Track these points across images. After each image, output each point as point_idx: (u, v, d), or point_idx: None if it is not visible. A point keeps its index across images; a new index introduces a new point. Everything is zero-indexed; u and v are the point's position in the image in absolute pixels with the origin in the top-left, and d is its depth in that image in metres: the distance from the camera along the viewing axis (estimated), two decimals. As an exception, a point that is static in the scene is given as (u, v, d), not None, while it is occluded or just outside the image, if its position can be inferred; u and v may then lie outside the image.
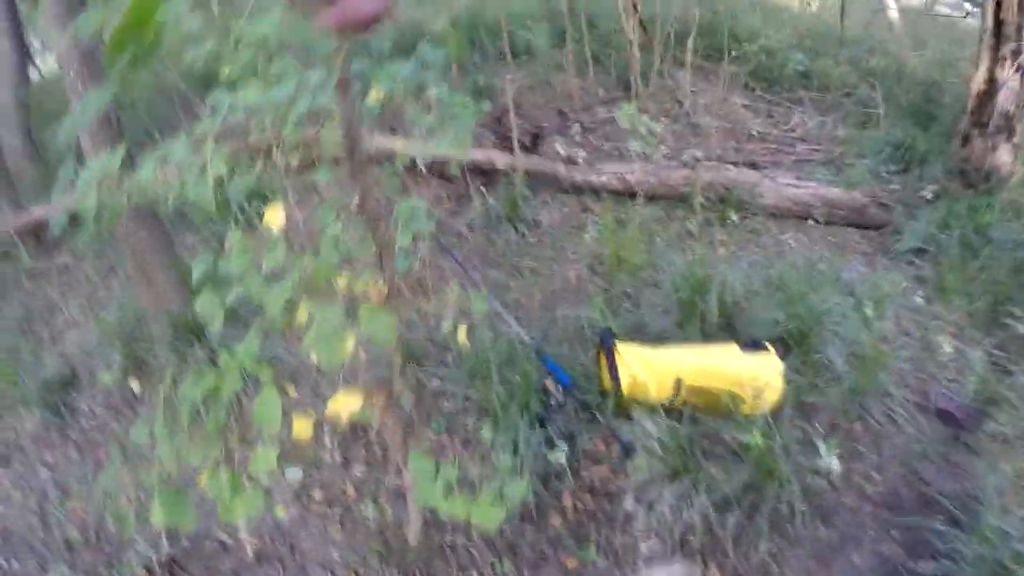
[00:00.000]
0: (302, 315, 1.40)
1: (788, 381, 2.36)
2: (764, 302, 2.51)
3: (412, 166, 3.32)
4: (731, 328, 2.52)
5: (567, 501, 2.32)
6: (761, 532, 2.12)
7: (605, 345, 2.32)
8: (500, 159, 3.37)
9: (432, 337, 2.68)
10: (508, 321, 2.50)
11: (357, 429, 2.57)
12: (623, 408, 2.31)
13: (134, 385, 3.19)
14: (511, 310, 2.81)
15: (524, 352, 2.46)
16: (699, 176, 3.10)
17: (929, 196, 3.35)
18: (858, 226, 3.29)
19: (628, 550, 2.18)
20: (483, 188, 3.40)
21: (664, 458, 2.19)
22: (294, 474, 2.47)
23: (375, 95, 1.54)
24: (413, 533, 2.14)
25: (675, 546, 2.17)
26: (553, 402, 2.41)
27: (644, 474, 2.21)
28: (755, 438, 2.13)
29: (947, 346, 2.66)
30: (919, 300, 2.87)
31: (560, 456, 2.30)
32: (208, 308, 1.43)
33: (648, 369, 2.26)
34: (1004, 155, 3.25)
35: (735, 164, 3.60)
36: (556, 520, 2.29)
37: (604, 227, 2.89)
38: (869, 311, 2.68)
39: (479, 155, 3.43)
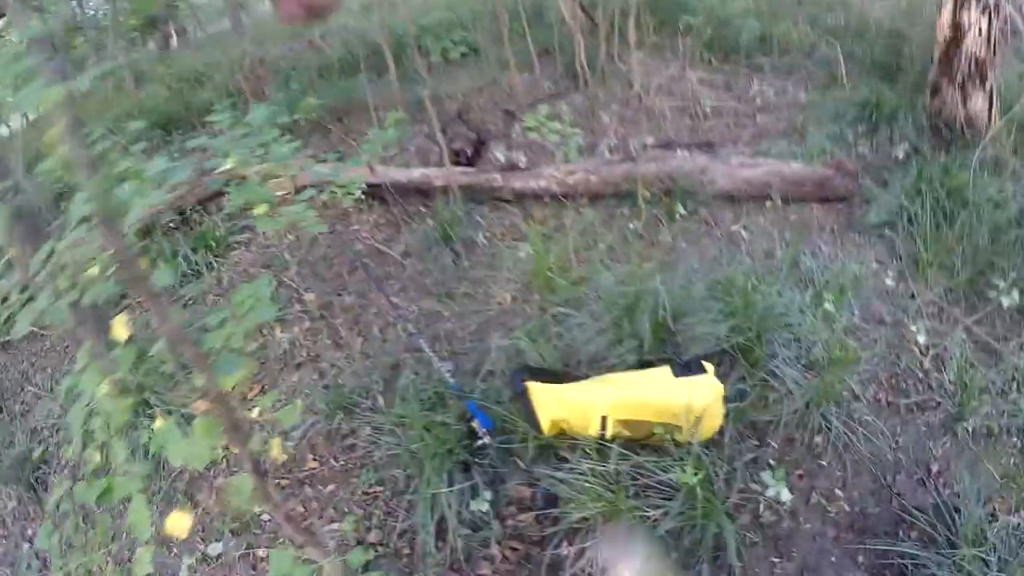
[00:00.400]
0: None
1: (732, 401, 2.16)
2: (707, 313, 2.29)
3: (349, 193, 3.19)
4: (673, 344, 2.31)
5: (495, 549, 2.17)
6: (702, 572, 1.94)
7: (515, 389, 2.15)
8: (436, 176, 3.20)
9: (368, 379, 2.54)
10: (433, 361, 2.34)
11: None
12: (548, 449, 2.15)
13: (95, 457, 3.15)
14: (443, 343, 2.66)
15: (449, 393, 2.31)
16: (640, 169, 2.86)
17: (900, 156, 3.06)
18: (822, 200, 3.01)
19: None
20: (423, 208, 3.24)
21: (594, 500, 2.02)
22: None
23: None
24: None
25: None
26: (479, 444, 2.25)
27: (572, 519, 2.05)
28: (686, 475, 1.93)
29: (921, 335, 2.40)
30: (890, 282, 2.60)
31: (483, 504, 2.14)
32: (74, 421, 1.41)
33: (567, 409, 2.07)
34: (978, 103, 2.94)
35: (689, 147, 3.34)
36: (485, 569, 2.14)
37: (534, 242, 2.70)
38: (830, 305, 2.44)
39: (415, 174, 3.26)
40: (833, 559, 2.01)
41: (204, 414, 1.35)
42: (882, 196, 2.86)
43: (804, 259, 2.69)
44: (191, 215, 3.46)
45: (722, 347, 2.22)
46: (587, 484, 2.01)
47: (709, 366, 2.09)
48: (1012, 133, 2.97)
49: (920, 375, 2.34)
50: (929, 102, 3.09)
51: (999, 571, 1.78)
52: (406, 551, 2.16)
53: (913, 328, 2.44)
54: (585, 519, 2.02)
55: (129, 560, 1.98)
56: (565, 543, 2.06)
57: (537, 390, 2.09)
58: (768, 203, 2.99)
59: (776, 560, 2.01)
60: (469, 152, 3.35)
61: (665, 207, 2.93)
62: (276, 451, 1.51)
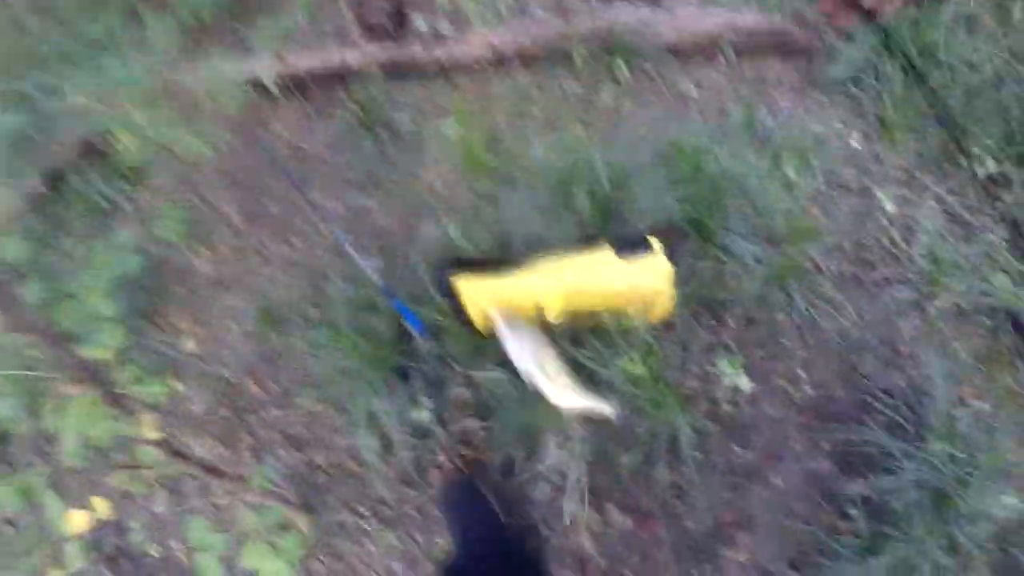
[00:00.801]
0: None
1: (685, 280, 1.91)
2: (653, 182, 2.00)
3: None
4: (617, 218, 2.03)
5: (443, 457, 1.96)
6: (657, 465, 1.76)
7: (441, 289, 1.86)
8: (353, 57, 2.77)
9: (297, 291, 2.24)
10: (357, 261, 2.04)
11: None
12: (485, 345, 1.89)
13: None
14: (372, 238, 2.35)
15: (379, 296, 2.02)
16: (575, 26, 2.49)
17: (867, 6, 2.74)
18: (781, 54, 2.69)
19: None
20: (344, 95, 2.83)
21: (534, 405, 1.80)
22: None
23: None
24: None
25: (568, 488, 1.82)
26: (414, 347, 1.99)
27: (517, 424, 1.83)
28: (634, 364, 1.71)
29: (889, 204, 2.17)
30: (855, 144, 2.34)
31: (423, 413, 1.92)
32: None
33: (500, 302, 1.81)
34: None
35: None
36: (437, 479, 1.95)
37: (459, 118, 2.35)
38: (791, 170, 2.18)
39: (332, 58, 2.81)
40: (797, 447, 1.85)
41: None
42: (847, 51, 2.55)
43: (761, 118, 2.40)
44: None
45: (671, 220, 1.95)
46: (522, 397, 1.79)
47: (656, 243, 1.82)
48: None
49: (888, 247, 2.12)
50: None
51: (967, 466, 1.62)
52: (356, 469, 1.99)
53: (880, 195, 2.21)
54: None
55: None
56: (514, 443, 1.86)
57: (466, 286, 1.80)
58: (721, 58, 2.67)
59: (737, 449, 1.84)
60: (390, 26, 2.90)
61: (605, 67, 2.57)
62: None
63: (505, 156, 2.30)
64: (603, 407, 1.70)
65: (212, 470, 1.70)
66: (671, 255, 1.81)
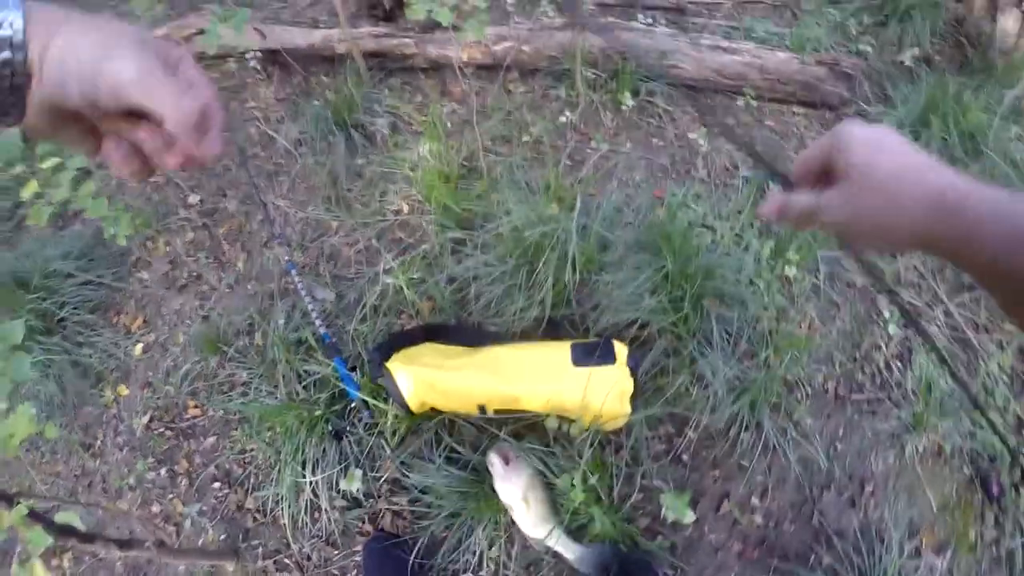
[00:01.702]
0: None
1: (646, 385, 1.75)
2: (631, 269, 1.80)
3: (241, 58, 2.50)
4: (584, 303, 1.84)
5: (369, 527, 1.86)
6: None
7: (374, 373, 1.70)
8: (340, 40, 2.48)
9: (244, 312, 2.09)
10: (306, 304, 1.87)
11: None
12: (418, 431, 1.75)
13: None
14: (327, 263, 2.16)
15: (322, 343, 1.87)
16: (580, 42, 2.19)
17: (908, 62, 2.44)
18: (807, 104, 2.42)
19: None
20: (326, 78, 2.56)
21: (461, 501, 1.67)
22: None
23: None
24: None
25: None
26: (351, 412, 1.86)
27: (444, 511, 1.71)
28: (574, 492, 1.57)
29: (891, 316, 1.97)
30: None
31: (354, 483, 1.80)
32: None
33: (439, 396, 1.64)
34: (1009, 22, 2.28)
35: (655, 9, 2.65)
36: (361, 547, 1.86)
37: (432, 138, 2.09)
38: (792, 268, 1.97)
39: (316, 37, 2.52)
40: (732, 576, 1.73)
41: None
42: (879, 115, 2.29)
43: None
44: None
45: (641, 322, 1.76)
46: (454, 488, 1.66)
47: (622, 349, 1.64)
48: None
49: (881, 368, 1.94)
50: (953, 6, 2.43)
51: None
52: (283, 521, 1.89)
53: (884, 304, 2.01)
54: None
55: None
56: (441, 527, 1.75)
57: (402, 374, 1.63)
58: (741, 100, 2.39)
59: (669, 573, 1.73)
60: (388, 5, 2.59)
61: (611, 94, 2.31)
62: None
63: (480, 191, 2.07)
64: (570, 551, 1.58)
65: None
66: (634, 365, 1.64)
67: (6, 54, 0.42)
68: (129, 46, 0.44)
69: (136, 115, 0.46)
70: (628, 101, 2.29)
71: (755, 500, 1.79)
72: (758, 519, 1.78)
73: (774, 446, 1.80)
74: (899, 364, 1.96)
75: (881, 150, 0.56)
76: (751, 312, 1.82)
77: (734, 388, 1.75)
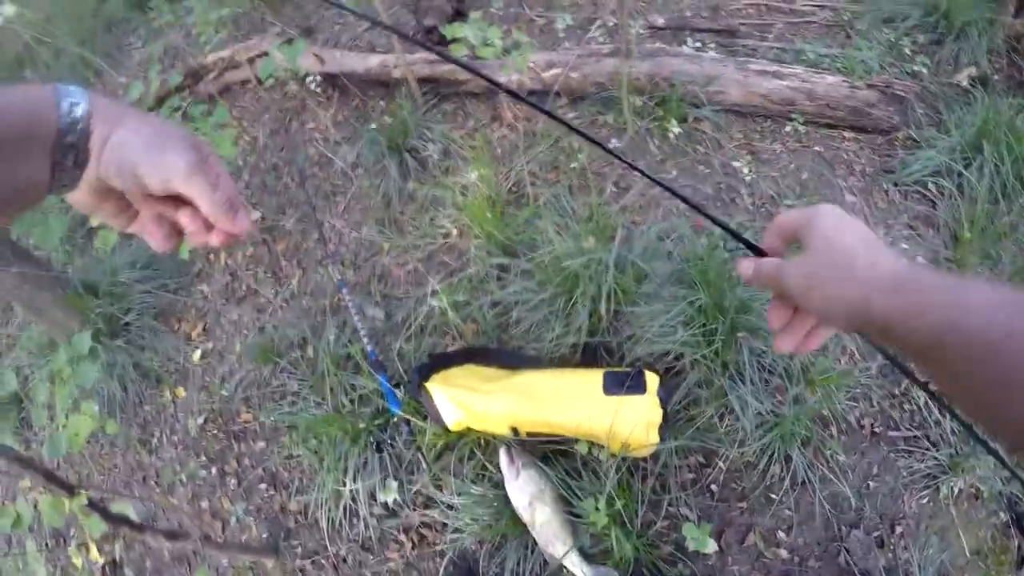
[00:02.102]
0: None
1: (677, 416, 1.80)
2: (667, 301, 1.84)
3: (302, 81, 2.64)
4: (619, 334, 1.89)
5: (403, 537, 1.97)
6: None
7: (413, 392, 1.80)
8: (395, 65, 2.58)
9: (298, 327, 2.23)
10: (356, 323, 1.99)
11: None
12: (453, 449, 1.85)
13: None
14: (377, 283, 2.27)
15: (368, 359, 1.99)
16: (631, 68, 2.22)
17: (964, 82, 2.38)
18: (858, 129, 2.39)
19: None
20: (383, 103, 2.67)
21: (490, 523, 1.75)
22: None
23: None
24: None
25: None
26: (391, 425, 1.97)
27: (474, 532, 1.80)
28: (596, 515, 1.63)
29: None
30: (920, 262, 2.08)
31: (390, 495, 1.91)
32: None
33: (473, 418, 1.73)
34: None
35: (704, 32, 2.65)
36: (394, 554, 1.97)
37: (480, 165, 2.17)
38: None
39: (372, 62, 2.63)
40: (752, 612, 1.76)
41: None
42: (933, 140, 2.25)
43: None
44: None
45: (675, 354, 1.80)
46: (486, 504, 1.75)
47: (653, 379, 1.70)
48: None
49: (920, 405, 1.92)
50: (1011, 22, 2.35)
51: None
52: (322, 524, 2.01)
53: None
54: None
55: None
56: (470, 541, 1.84)
57: (440, 394, 1.73)
58: (789, 126, 2.38)
59: (687, 603, 1.77)
60: (443, 32, 2.67)
61: (657, 121, 2.34)
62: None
63: (527, 217, 2.14)
64: (582, 572, 1.65)
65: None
66: (664, 396, 1.69)
67: (73, 137, 0.50)
68: (179, 144, 0.52)
69: (173, 199, 0.54)
70: (675, 128, 2.32)
71: (781, 534, 1.81)
72: (783, 553, 1.79)
73: (803, 481, 1.81)
74: (941, 403, 1.93)
75: (844, 229, 0.60)
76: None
77: (766, 421, 1.77)
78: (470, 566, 1.82)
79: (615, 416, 1.64)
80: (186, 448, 2.22)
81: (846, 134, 2.42)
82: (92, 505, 1.54)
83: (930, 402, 1.92)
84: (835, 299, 0.59)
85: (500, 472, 1.74)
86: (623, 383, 1.68)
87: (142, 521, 1.75)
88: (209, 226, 0.56)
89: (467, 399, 1.72)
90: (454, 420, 1.75)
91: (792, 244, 0.67)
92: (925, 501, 1.83)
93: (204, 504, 2.15)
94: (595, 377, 1.71)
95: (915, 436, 1.90)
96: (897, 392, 1.94)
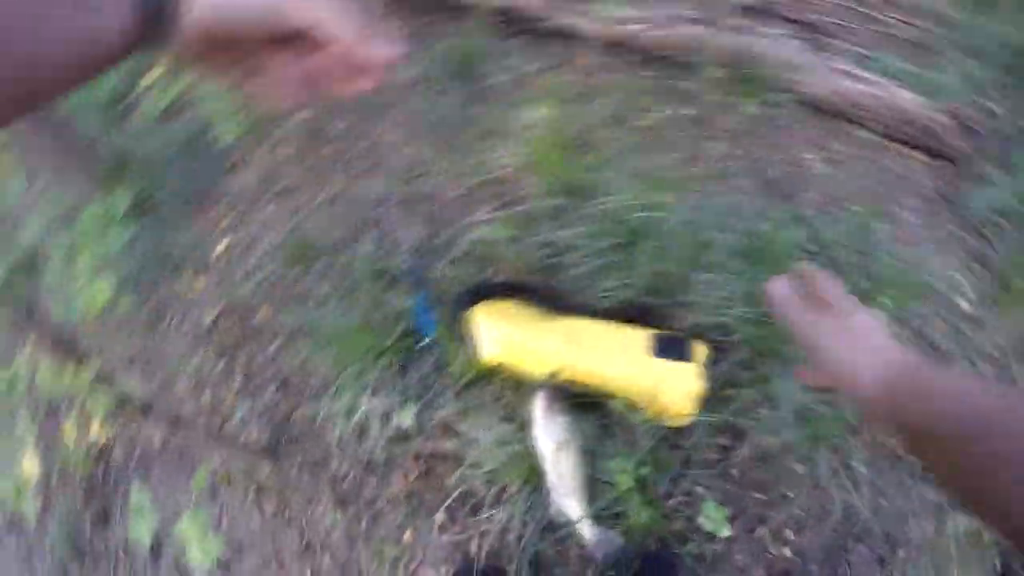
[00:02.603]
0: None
1: (717, 393, 1.73)
2: (727, 273, 1.77)
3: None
4: (673, 297, 1.82)
5: (411, 463, 1.88)
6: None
7: (455, 314, 1.71)
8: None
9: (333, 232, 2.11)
10: (397, 236, 1.89)
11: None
12: (481, 382, 1.76)
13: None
14: (422, 203, 2.16)
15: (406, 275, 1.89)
16: (714, 40, 2.14)
17: (1039, 133, 2.36)
18: (928, 151, 2.35)
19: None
20: (451, 28, 2.53)
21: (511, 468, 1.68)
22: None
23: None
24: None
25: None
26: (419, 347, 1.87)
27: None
28: (623, 477, 1.57)
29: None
30: (965, 305, 2.06)
31: (406, 419, 1.82)
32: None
33: (514, 353, 1.65)
34: None
35: (791, 22, 2.58)
36: (399, 481, 1.88)
37: (550, 106, 2.07)
38: (883, 313, 1.92)
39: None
40: (744, 613, 1.72)
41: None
42: (998, 180, 2.22)
43: (878, 232, 2.11)
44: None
45: (726, 330, 1.74)
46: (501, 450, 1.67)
47: (701, 350, 1.63)
48: None
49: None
50: None
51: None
52: (327, 437, 1.93)
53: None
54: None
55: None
56: (481, 480, 1.77)
57: (484, 322, 1.64)
58: (863, 132, 2.33)
59: (690, 581, 1.73)
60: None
61: (733, 97, 2.26)
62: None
63: (589, 165, 2.05)
64: (591, 532, 1.58)
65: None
66: (710, 369, 1.62)
67: None
68: None
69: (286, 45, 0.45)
70: (751, 107, 2.25)
71: (789, 533, 1.77)
72: (788, 552, 1.76)
73: (822, 485, 1.78)
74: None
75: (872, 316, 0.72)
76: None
77: (800, 418, 1.73)
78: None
79: (658, 380, 1.58)
80: (196, 338, 2.09)
81: (915, 154, 2.37)
82: (99, 379, 1.43)
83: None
84: (848, 365, 0.70)
85: (527, 416, 1.66)
86: (672, 347, 1.62)
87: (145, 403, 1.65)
88: (351, 70, 0.48)
89: (509, 332, 1.63)
90: (491, 352, 1.66)
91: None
92: (930, 532, 1.81)
93: (207, 397, 2.03)
94: (643, 336, 1.64)
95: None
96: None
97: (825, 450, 1.77)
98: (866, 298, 1.91)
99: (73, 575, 2.01)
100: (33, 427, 2.04)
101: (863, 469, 1.80)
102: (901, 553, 1.78)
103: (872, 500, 1.81)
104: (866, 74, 2.34)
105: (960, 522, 1.82)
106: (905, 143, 2.37)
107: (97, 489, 2.06)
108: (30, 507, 2.06)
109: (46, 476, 2.07)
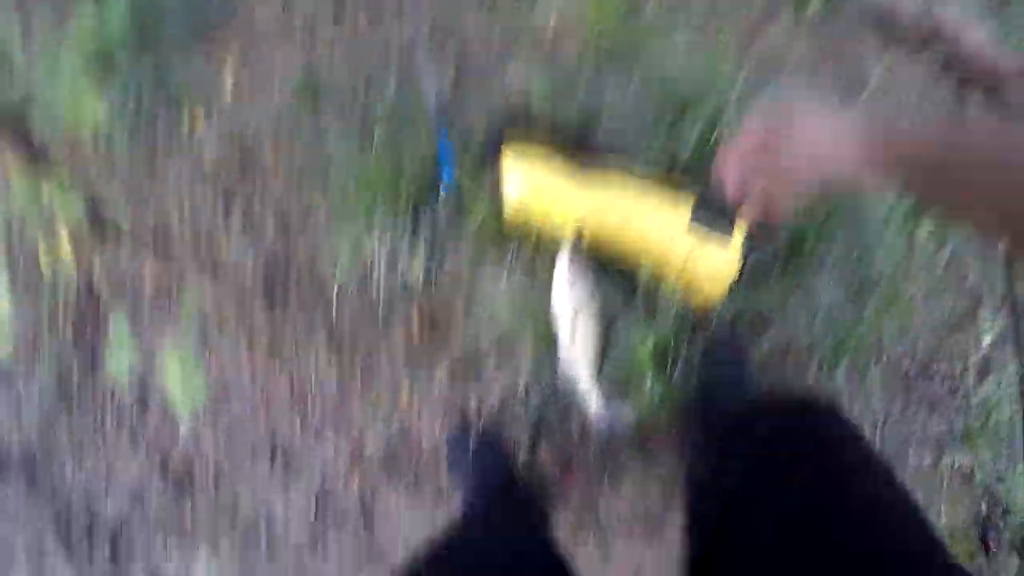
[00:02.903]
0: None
1: (745, 285, 1.64)
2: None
3: None
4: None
5: (415, 314, 1.77)
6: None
7: (489, 151, 1.57)
8: None
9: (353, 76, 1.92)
10: (423, 70, 1.71)
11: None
12: (499, 236, 1.64)
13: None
14: (453, 54, 1.98)
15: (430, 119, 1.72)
16: None
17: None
18: (985, 89, 2.24)
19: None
20: None
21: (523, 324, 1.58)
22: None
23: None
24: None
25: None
26: (440, 191, 1.73)
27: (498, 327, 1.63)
28: (643, 346, 1.48)
29: (987, 335, 1.84)
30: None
31: (415, 270, 1.70)
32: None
33: (540, 198, 1.53)
34: None
35: None
36: (399, 333, 1.78)
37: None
38: (923, 233, 1.84)
39: None
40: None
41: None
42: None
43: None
44: None
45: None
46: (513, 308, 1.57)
47: (742, 230, 1.52)
48: None
49: (957, 371, 1.83)
50: None
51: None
52: (327, 283, 1.82)
53: (983, 316, 1.88)
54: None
55: None
56: (487, 339, 1.67)
57: (512, 163, 1.51)
58: (924, 57, 2.20)
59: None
60: None
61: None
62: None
63: (642, 30, 1.89)
64: (597, 404, 1.50)
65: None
66: (748, 251, 1.52)
67: None
68: None
69: None
70: (815, 4, 2.09)
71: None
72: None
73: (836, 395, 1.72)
74: (976, 375, 1.86)
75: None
76: (865, 258, 1.71)
77: (828, 321, 1.65)
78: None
79: (692, 253, 1.48)
80: (194, 174, 1.92)
81: (975, 96, 2.25)
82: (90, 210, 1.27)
83: (969, 368, 1.86)
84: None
85: (547, 276, 1.55)
86: (715, 212, 1.48)
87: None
88: None
89: (540, 177, 1.50)
90: (518, 197, 1.53)
91: None
92: (925, 462, 1.78)
93: (202, 237, 1.89)
94: (684, 201, 1.51)
95: (941, 395, 1.83)
96: (942, 348, 1.85)
97: (845, 362, 1.70)
98: (911, 222, 1.83)
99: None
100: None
101: (876, 388, 1.75)
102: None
103: (878, 419, 1.77)
104: (939, 3, 2.21)
105: (956, 457, 1.79)
106: (964, 81, 2.25)
107: (87, 329, 1.95)
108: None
109: (33, 323, 1.95)
